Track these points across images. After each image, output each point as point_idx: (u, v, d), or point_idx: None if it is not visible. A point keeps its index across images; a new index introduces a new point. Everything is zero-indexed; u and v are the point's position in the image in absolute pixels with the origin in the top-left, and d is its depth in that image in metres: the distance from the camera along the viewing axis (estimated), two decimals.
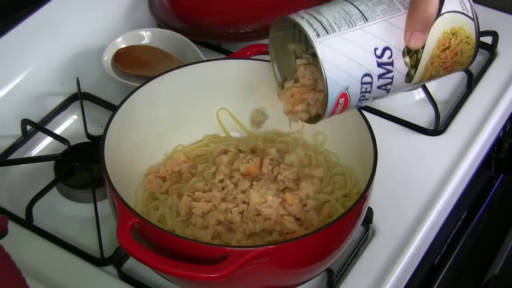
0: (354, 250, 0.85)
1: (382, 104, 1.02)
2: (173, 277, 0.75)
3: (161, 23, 1.13)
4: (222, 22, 1.09)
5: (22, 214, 0.87)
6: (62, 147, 0.96)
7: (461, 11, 0.74)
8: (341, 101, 0.72)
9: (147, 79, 0.87)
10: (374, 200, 0.82)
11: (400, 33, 0.72)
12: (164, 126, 0.90)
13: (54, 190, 0.92)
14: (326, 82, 0.70)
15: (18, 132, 0.98)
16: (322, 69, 0.70)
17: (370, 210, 0.87)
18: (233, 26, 1.09)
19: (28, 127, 0.98)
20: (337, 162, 0.89)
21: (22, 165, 0.96)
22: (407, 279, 0.87)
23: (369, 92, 0.73)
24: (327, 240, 0.75)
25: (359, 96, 0.73)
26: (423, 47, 0.73)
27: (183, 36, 1.07)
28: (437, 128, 0.99)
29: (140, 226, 0.72)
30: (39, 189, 0.89)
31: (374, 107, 1.02)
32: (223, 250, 0.69)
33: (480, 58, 1.11)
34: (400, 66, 0.73)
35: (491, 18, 1.15)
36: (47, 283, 0.81)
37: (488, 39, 1.11)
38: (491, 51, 1.12)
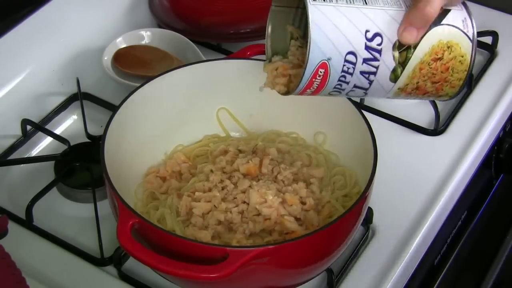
0: (354, 250, 0.85)
1: (382, 104, 1.02)
2: (173, 277, 0.75)
3: (161, 23, 1.13)
4: (222, 22, 1.09)
5: (22, 214, 0.87)
6: (62, 147, 0.96)
7: (462, 29, 0.73)
8: (321, 72, 0.70)
9: (147, 79, 0.87)
10: (374, 200, 0.82)
11: (395, 26, 0.71)
12: (164, 126, 0.90)
13: (54, 190, 0.92)
14: (310, 43, 0.69)
15: (18, 132, 0.98)
16: (309, 30, 0.69)
17: (370, 210, 0.87)
18: (233, 26, 1.09)
19: (28, 127, 0.98)
20: (337, 162, 0.89)
21: (22, 165, 0.96)
22: (407, 279, 0.87)
23: (351, 74, 0.71)
24: (327, 240, 0.75)
25: (339, 75, 0.71)
26: (414, 47, 0.72)
27: (183, 36, 1.07)
28: (437, 128, 0.99)
29: (140, 226, 0.72)
30: (39, 189, 0.89)
31: (374, 107, 1.02)
32: (223, 250, 0.69)
33: (480, 58, 1.11)
34: (388, 58, 0.71)
35: (491, 18, 1.15)
36: (47, 283, 0.81)
37: (488, 39, 1.11)
38: (491, 51, 1.12)
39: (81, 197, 0.92)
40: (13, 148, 0.97)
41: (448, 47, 0.73)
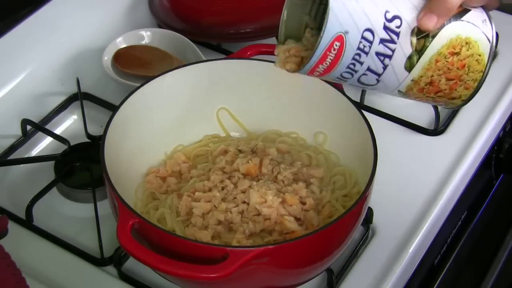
0: (354, 250, 0.85)
1: (382, 104, 1.02)
2: (173, 277, 0.75)
3: (161, 23, 1.13)
4: (222, 22, 1.09)
5: (22, 214, 0.87)
6: (62, 147, 0.96)
7: (481, 28, 0.73)
8: (336, 45, 0.68)
9: (147, 79, 0.87)
10: (374, 200, 0.82)
11: (415, 13, 0.70)
12: (164, 126, 0.90)
13: (54, 190, 0.92)
14: (328, 12, 0.67)
15: (18, 132, 0.98)
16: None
17: (370, 210, 0.87)
18: (233, 26, 1.09)
19: (28, 127, 0.98)
20: (337, 162, 0.89)
21: (22, 165, 0.96)
22: (407, 279, 0.87)
23: (366, 54, 0.69)
24: (327, 240, 0.75)
25: (354, 52, 0.69)
26: (433, 37, 0.71)
27: (183, 36, 1.07)
28: (437, 128, 0.99)
29: (140, 226, 0.72)
30: (39, 189, 0.89)
31: (374, 107, 1.02)
32: (223, 250, 0.69)
33: None
34: (405, 43, 0.70)
35: None
36: (47, 283, 0.81)
37: None
38: None
39: (81, 197, 0.92)
40: (13, 148, 0.97)
41: (466, 43, 0.72)
